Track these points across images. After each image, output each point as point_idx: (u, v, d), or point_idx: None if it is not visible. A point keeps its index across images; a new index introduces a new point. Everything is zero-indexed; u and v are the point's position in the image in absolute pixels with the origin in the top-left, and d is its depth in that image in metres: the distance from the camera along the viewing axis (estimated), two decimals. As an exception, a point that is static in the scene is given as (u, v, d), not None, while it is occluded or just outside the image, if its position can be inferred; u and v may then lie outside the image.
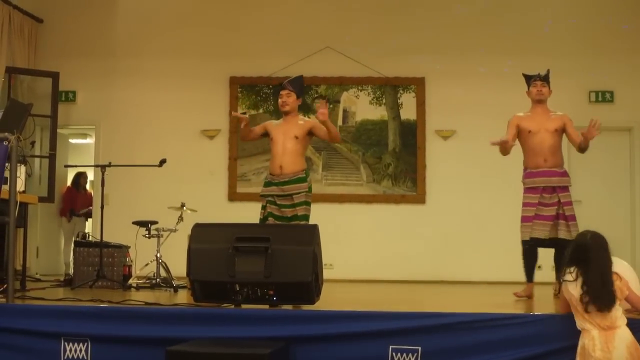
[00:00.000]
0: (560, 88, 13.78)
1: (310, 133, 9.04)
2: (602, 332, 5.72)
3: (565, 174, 9.00)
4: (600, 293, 5.75)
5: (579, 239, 6.05)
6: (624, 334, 5.75)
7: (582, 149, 8.98)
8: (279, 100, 9.11)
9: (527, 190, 8.99)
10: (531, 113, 9.16)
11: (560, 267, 8.44)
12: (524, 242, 8.99)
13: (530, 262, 9.08)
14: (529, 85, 9.22)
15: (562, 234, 8.81)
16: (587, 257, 5.85)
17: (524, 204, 8.98)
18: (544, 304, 8.10)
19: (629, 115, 13.90)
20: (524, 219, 8.95)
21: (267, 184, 8.99)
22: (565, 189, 8.93)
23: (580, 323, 5.87)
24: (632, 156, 13.99)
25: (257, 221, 8.62)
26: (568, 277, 5.92)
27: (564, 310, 6.20)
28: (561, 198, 8.84)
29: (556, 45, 13.82)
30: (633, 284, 6.22)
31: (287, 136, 8.92)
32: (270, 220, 8.76)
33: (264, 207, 8.89)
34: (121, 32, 14.64)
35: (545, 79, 9.17)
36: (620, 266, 6.23)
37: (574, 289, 5.87)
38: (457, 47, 14.02)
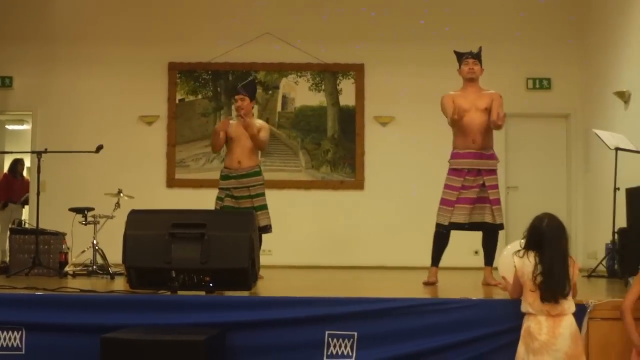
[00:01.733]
0: (498, 75, 13.91)
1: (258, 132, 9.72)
2: (549, 317, 5.73)
3: (493, 156, 8.69)
4: (558, 280, 5.73)
5: (535, 223, 5.95)
6: (571, 321, 5.78)
7: (493, 127, 8.65)
8: (234, 105, 9.89)
9: (452, 171, 8.63)
10: (462, 92, 8.83)
11: (488, 252, 8.58)
12: (441, 226, 8.68)
13: (440, 247, 8.83)
14: (460, 63, 8.95)
15: (487, 218, 8.55)
16: (543, 242, 5.80)
17: (446, 186, 8.64)
18: (482, 289, 8.15)
19: (566, 102, 14.04)
20: (445, 202, 8.64)
21: (225, 177, 9.78)
22: (492, 172, 8.62)
23: (526, 306, 5.87)
24: (568, 143, 14.14)
25: (195, 207, 8.60)
26: (526, 259, 5.90)
27: (516, 295, 6.14)
28: (486, 181, 8.53)
29: (494, 32, 13.90)
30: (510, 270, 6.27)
31: (245, 136, 9.65)
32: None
33: (221, 199, 9.67)
34: (59, 18, 14.47)
35: (477, 56, 8.92)
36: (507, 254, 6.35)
37: (528, 268, 5.85)
38: (396, 34, 14.07)
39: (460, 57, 8.98)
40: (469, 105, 8.57)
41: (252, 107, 9.97)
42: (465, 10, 14.13)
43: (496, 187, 8.61)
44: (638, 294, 5.95)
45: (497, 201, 8.56)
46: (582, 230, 13.53)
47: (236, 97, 9.83)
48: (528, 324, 5.80)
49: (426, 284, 8.56)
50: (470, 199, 8.50)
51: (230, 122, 9.92)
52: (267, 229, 9.73)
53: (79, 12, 14.47)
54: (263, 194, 9.82)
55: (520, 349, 5.80)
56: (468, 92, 8.76)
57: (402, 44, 14.04)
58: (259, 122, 9.97)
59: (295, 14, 14.20)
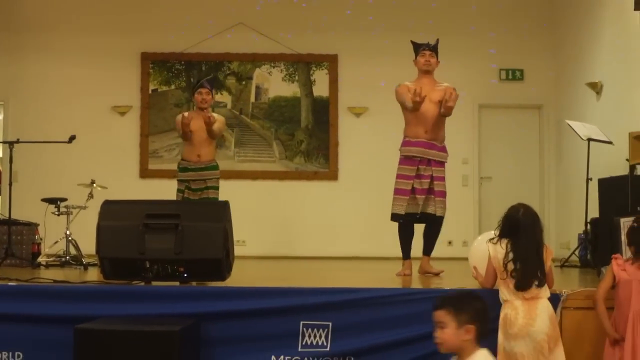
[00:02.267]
0: (471, 66, 14.01)
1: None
2: (524, 301, 5.75)
3: (444, 149, 8.63)
4: (532, 267, 5.76)
5: (511, 213, 5.97)
6: (547, 304, 5.80)
7: (442, 113, 8.59)
8: (199, 97, 10.06)
9: (404, 160, 8.57)
10: (416, 82, 8.73)
11: (427, 242, 8.60)
12: (398, 217, 8.48)
13: (407, 238, 8.65)
14: (416, 54, 8.87)
15: (430, 209, 8.47)
16: (518, 231, 5.83)
17: (400, 176, 8.52)
18: (457, 279, 8.17)
19: (539, 93, 14.11)
20: (400, 192, 8.46)
21: (183, 169, 9.98)
22: (441, 164, 8.55)
23: (502, 294, 5.90)
24: (541, 133, 14.22)
25: (168, 197, 8.59)
26: (498, 246, 5.94)
27: (489, 284, 6.19)
28: (434, 172, 8.45)
29: (467, 23, 13.95)
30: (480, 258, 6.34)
31: (203, 129, 9.88)
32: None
33: (181, 191, 9.80)
34: (30, 7, 14.38)
35: (434, 49, 8.80)
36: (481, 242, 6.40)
37: (499, 255, 5.89)
38: (370, 24, 14.07)
39: (418, 48, 8.90)
40: (423, 94, 8.43)
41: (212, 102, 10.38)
42: (438, 1, 14.14)
43: (443, 179, 8.54)
44: (610, 284, 5.97)
45: (443, 194, 8.49)
46: (555, 220, 13.61)
47: (201, 90, 10.07)
48: (505, 311, 5.82)
49: (399, 275, 8.48)
50: (424, 189, 8.44)
51: (186, 114, 10.01)
52: None
53: (50, 1, 14.38)
54: (217, 188, 9.99)
55: (500, 337, 5.81)
56: (423, 83, 8.69)
57: (375, 34, 14.05)
58: (215, 115, 10.12)
59: (269, 4, 14.18)
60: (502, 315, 5.83)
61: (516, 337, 5.70)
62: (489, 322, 6.11)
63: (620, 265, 5.94)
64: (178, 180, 9.95)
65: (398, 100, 8.82)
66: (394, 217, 8.52)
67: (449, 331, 4.68)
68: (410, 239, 8.67)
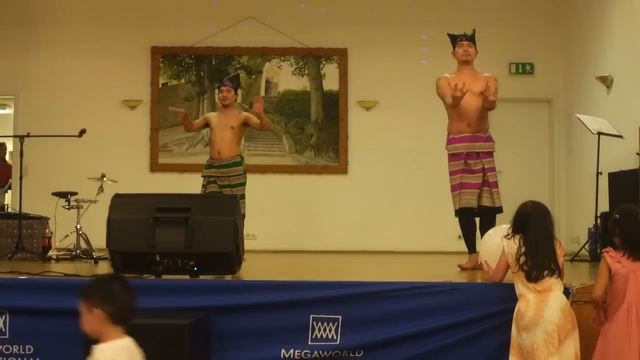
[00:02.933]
0: (481, 59, 13.92)
1: (245, 124, 10.24)
2: (537, 294, 5.79)
3: (489, 138, 8.60)
4: (543, 258, 5.81)
5: (521, 208, 6.04)
6: (559, 295, 5.83)
7: (486, 108, 8.58)
8: (220, 95, 10.35)
9: (451, 157, 8.56)
10: (457, 74, 8.67)
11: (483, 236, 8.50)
12: (456, 212, 8.50)
13: (466, 232, 8.57)
14: (454, 46, 8.80)
15: (485, 202, 8.43)
16: (528, 224, 5.90)
17: (450, 173, 8.55)
18: (466, 273, 8.17)
19: (549, 87, 14.07)
20: (452, 188, 8.51)
21: (208, 166, 10.23)
22: (489, 154, 8.55)
23: (517, 288, 5.93)
24: (551, 127, 14.18)
25: (178, 191, 8.59)
26: (512, 242, 5.99)
27: (498, 278, 6.27)
28: (485, 164, 8.46)
29: (477, 16, 13.91)
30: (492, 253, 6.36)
31: (225, 127, 10.13)
32: None
33: (204, 187, 10.07)
34: (40, 1, 14.40)
35: (471, 38, 8.77)
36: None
37: (512, 250, 5.95)
38: (380, 18, 14.06)
39: (455, 39, 8.84)
40: (464, 89, 8.27)
41: (235, 100, 10.58)
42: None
43: (494, 169, 8.57)
44: (607, 280, 5.96)
45: (496, 184, 8.51)
46: (565, 214, 13.57)
47: (222, 88, 10.31)
48: (518, 305, 5.87)
49: (463, 268, 8.42)
50: (477, 184, 8.42)
51: (212, 114, 10.52)
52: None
53: (61, -6, 14.43)
54: (243, 184, 10.13)
55: (513, 331, 5.86)
56: (463, 74, 8.62)
57: (385, 28, 14.03)
58: (244, 114, 10.40)
59: (278, -3, 14.20)
60: (515, 309, 5.86)
61: (527, 328, 5.73)
62: (496, 315, 6.19)
63: (614, 258, 5.91)
64: (202, 175, 10.21)
65: (438, 95, 8.75)
66: (456, 213, 8.51)
67: (84, 317, 4.64)
68: (470, 232, 8.57)
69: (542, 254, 5.82)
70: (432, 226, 13.41)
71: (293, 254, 12.55)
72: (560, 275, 5.96)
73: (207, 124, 10.45)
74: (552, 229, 5.99)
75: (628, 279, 5.84)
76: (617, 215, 6.03)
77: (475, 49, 8.82)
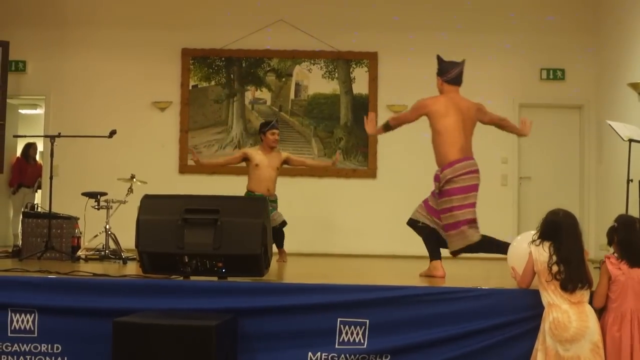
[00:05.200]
0: (512, 65, 13.95)
1: (284, 162, 11.23)
2: (572, 305, 5.84)
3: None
4: (577, 268, 5.88)
5: (551, 216, 6.09)
6: (591, 308, 5.93)
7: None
8: (271, 137, 10.99)
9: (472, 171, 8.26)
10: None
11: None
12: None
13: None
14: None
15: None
16: (561, 233, 5.95)
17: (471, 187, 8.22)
18: (494, 279, 8.14)
19: (580, 93, 14.01)
20: (469, 205, 8.16)
21: None
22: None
23: (547, 297, 5.95)
24: (581, 134, 14.11)
25: (207, 193, 8.60)
26: (541, 249, 6.01)
27: (525, 284, 6.29)
28: None
29: (509, 21, 13.89)
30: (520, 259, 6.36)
31: (272, 167, 10.94)
32: None
33: None
34: (72, 2, 14.48)
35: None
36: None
37: (543, 258, 5.97)
38: (411, 22, 14.05)
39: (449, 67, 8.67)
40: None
41: None
42: (478, 0, 14.09)
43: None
44: (607, 287, 6.02)
45: None
46: (595, 221, 13.49)
47: (275, 130, 11.05)
48: (554, 315, 5.86)
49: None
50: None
51: (254, 150, 11.19)
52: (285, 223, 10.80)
53: (93, -4, 14.51)
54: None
55: (548, 341, 5.85)
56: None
57: (416, 32, 14.02)
58: (284, 154, 11.34)
59: (309, 1, 14.17)
60: (550, 318, 5.86)
61: (573, 340, 5.79)
62: (524, 322, 6.18)
63: (614, 265, 6.04)
64: None
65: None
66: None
67: None
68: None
69: (575, 265, 5.87)
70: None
71: (321, 257, 12.54)
72: (590, 286, 6.00)
73: (245, 159, 11.02)
74: (582, 240, 6.05)
75: (627, 285, 5.95)
76: (615, 224, 6.18)
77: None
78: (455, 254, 8.29)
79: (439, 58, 8.66)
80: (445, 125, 8.21)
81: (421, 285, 6.91)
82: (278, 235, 10.60)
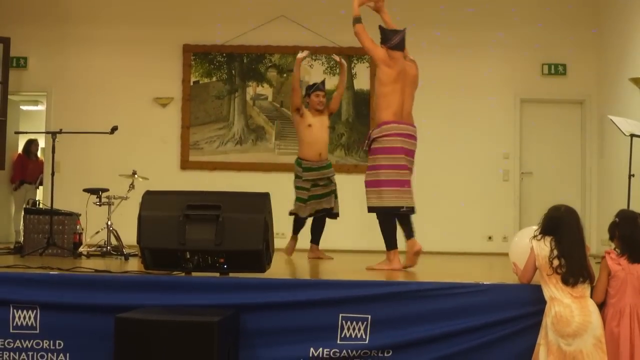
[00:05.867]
0: (513, 60, 13.93)
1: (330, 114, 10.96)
2: (575, 299, 5.85)
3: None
4: (579, 262, 5.89)
5: (553, 211, 6.11)
6: (593, 302, 5.94)
7: None
8: (315, 99, 10.61)
9: (390, 149, 8.39)
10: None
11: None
12: (385, 210, 8.45)
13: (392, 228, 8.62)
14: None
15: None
16: (562, 227, 5.97)
17: (389, 166, 8.37)
18: (497, 274, 8.14)
19: (581, 89, 14.01)
20: (388, 183, 8.35)
21: (307, 169, 10.53)
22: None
23: (549, 291, 5.96)
24: (583, 129, 14.12)
25: (208, 189, 8.60)
26: (542, 243, 6.02)
27: (526, 279, 6.29)
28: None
29: (510, 17, 13.88)
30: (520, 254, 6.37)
31: (323, 127, 10.59)
32: (314, 202, 10.46)
33: (306, 189, 10.49)
34: (73, -1, 14.52)
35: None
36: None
37: (544, 252, 5.98)
38: (411, 19, 14.00)
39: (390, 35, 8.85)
40: None
41: None
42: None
43: None
44: (607, 283, 6.04)
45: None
46: (596, 216, 13.51)
47: (318, 92, 10.66)
48: (555, 309, 5.87)
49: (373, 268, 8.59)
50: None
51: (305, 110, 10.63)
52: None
53: (94, -8, 14.51)
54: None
55: (550, 336, 5.85)
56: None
57: (416, 28, 13.99)
58: (326, 111, 10.85)
59: (310, -4, 14.20)
60: (552, 313, 5.87)
61: (575, 334, 5.79)
62: (525, 317, 6.19)
63: (614, 260, 6.05)
64: (301, 179, 10.53)
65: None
66: (385, 210, 8.53)
67: None
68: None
69: (577, 259, 5.88)
70: (462, 227, 13.38)
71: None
72: (592, 281, 6.00)
73: (299, 110, 10.58)
74: (583, 235, 6.07)
75: (627, 281, 5.97)
76: (616, 219, 6.19)
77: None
78: (370, 210, 8.49)
79: (380, 28, 8.94)
80: (386, 91, 8.44)
81: (423, 280, 6.89)
82: (319, 226, 10.71)
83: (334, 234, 13.33)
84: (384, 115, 8.36)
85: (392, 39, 8.65)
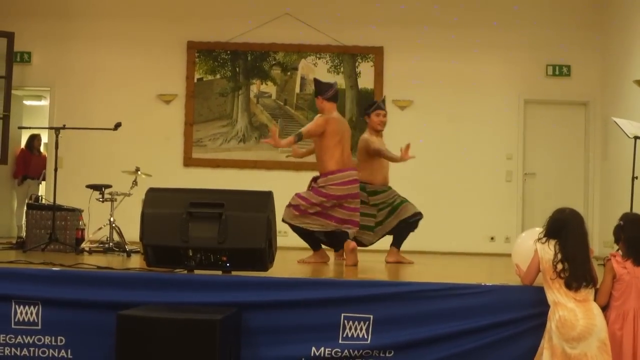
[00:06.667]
0: (517, 61, 13.92)
1: None
2: (578, 303, 5.84)
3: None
4: (582, 266, 5.88)
5: (557, 214, 6.10)
6: (597, 306, 5.93)
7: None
8: (376, 119, 10.09)
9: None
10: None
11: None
12: None
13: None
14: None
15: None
16: (566, 231, 5.96)
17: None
18: (499, 276, 8.13)
19: (585, 90, 14.01)
20: None
21: (374, 192, 9.92)
22: None
23: (552, 295, 5.95)
24: (587, 130, 14.11)
25: (211, 186, 8.59)
26: (546, 247, 6.01)
27: (529, 281, 6.28)
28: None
29: (515, 17, 13.87)
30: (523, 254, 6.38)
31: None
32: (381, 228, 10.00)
33: (373, 216, 9.93)
34: (78, -6, 14.52)
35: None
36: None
37: (548, 255, 5.97)
38: (416, 17, 14.04)
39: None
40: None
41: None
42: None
43: None
44: (611, 285, 6.04)
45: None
46: (599, 218, 13.51)
47: (380, 111, 10.08)
48: (560, 313, 5.86)
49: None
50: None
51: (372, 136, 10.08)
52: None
53: (98, -12, 14.51)
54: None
55: (554, 340, 5.84)
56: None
57: (421, 28, 14.01)
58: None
59: (315, -5, 14.20)
60: (556, 317, 5.86)
61: (580, 338, 5.78)
62: (527, 319, 6.18)
63: (620, 263, 6.07)
64: (370, 204, 9.88)
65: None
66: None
67: None
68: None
69: (580, 263, 5.88)
70: (464, 227, 13.38)
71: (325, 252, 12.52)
72: (595, 285, 6.00)
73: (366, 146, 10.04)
74: (587, 238, 6.07)
75: (631, 284, 5.98)
76: (621, 222, 6.20)
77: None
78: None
79: (316, 80, 9.56)
80: (330, 144, 9.15)
81: (425, 281, 6.89)
82: (404, 231, 10.02)
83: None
84: (330, 165, 9.18)
85: (328, 91, 9.22)
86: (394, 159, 9.83)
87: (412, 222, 9.84)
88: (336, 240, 9.34)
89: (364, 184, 9.73)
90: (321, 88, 9.27)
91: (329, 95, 9.18)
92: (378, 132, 10.10)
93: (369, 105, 10.39)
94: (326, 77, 13.97)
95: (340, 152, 9.14)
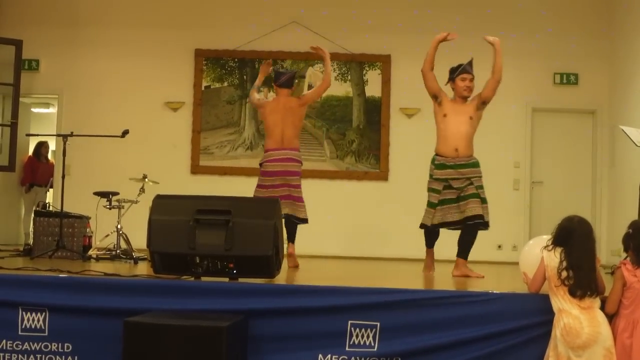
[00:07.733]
0: (525, 69, 13.90)
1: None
2: (583, 311, 5.85)
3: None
4: (587, 275, 5.89)
5: (566, 222, 6.10)
6: (602, 313, 5.94)
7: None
8: (462, 84, 9.07)
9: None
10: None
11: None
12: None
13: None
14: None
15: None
16: (573, 239, 5.96)
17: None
18: (506, 284, 8.12)
19: (593, 98, 13.99)
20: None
21: (441, 166, 9.10)
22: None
23: (557, 303, 5.96)
24: (594, 139, 14.09)
25: (218, 194, 8.60)
26: (552, 254, 6.02)
27: (535, 288, 6.29)
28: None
29: (522, 25, 13.87)
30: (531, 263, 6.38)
31: (464, 119, 8.98)
32: (445, 207, 9.22)
33: (437, 192, 9.23)
34: (86, 2, 14.53)
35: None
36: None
37: (553, 263, 5.98)
38: (424, 25, 14.02)
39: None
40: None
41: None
42: (493, 4, 14.08)
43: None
44: (621, 293, 6.03)
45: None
46: (606, 226, 13.48)
47: (466, 75, 9.13)
48: (564, 321, 5.86)
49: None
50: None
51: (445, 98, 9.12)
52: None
53: (106, -5, 14.55)
54: (482, 187, 9.03)
55: (560, 348, 5.84)
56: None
57: (429, 36, 13.98)
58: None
59: (322, 3, 14.18)
60: (561, 325, 5.86)
61: (585, 346, 5.80)
62: (534, 327, 6.18)
63: (630, 271, 6.05)
64: (433, 178, 9.26)
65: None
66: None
67: None
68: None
69: (586, 271, 5.88)
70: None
71: (332, 259, 12.53)
72: (600, 293, 6.01)
73: (439, 100, 9.17)
74: (595, 247, 6.06)
75: None
76: (630, 230, 6.16)
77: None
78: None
79: (274, 72, 10.85)
80: (267, 124, 10.02)
81: (432, 288, 6.88)
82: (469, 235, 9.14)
83: (340, 241, 13.36)
84: (268, 143, 9.95)
85: (280, 79, 10.28)
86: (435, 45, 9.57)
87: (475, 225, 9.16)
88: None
89: (435, 155, 9.31)
90: (275, 76, 10.43)
91: (280, 81, 10.20)
92: (464, 99, 9.03)
93: (453, 70, 9.30)
94: (334, 85, 14.01)
95: (279, 131, 9.81)
